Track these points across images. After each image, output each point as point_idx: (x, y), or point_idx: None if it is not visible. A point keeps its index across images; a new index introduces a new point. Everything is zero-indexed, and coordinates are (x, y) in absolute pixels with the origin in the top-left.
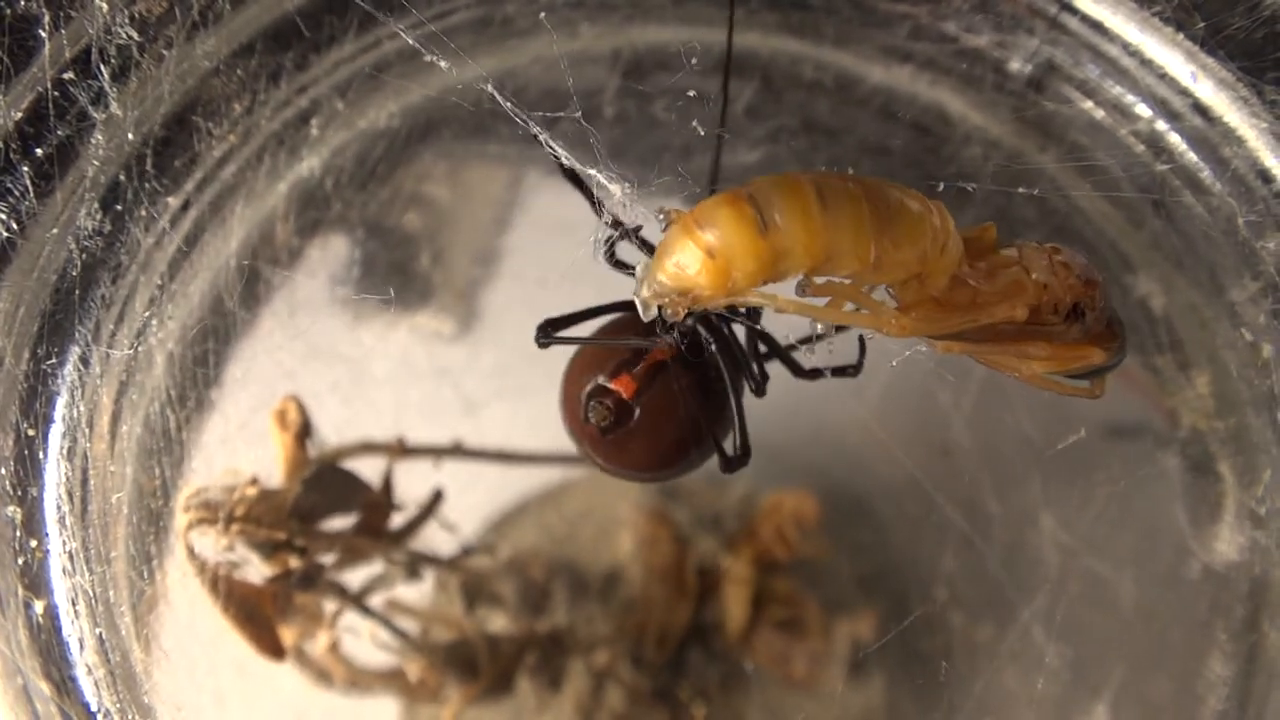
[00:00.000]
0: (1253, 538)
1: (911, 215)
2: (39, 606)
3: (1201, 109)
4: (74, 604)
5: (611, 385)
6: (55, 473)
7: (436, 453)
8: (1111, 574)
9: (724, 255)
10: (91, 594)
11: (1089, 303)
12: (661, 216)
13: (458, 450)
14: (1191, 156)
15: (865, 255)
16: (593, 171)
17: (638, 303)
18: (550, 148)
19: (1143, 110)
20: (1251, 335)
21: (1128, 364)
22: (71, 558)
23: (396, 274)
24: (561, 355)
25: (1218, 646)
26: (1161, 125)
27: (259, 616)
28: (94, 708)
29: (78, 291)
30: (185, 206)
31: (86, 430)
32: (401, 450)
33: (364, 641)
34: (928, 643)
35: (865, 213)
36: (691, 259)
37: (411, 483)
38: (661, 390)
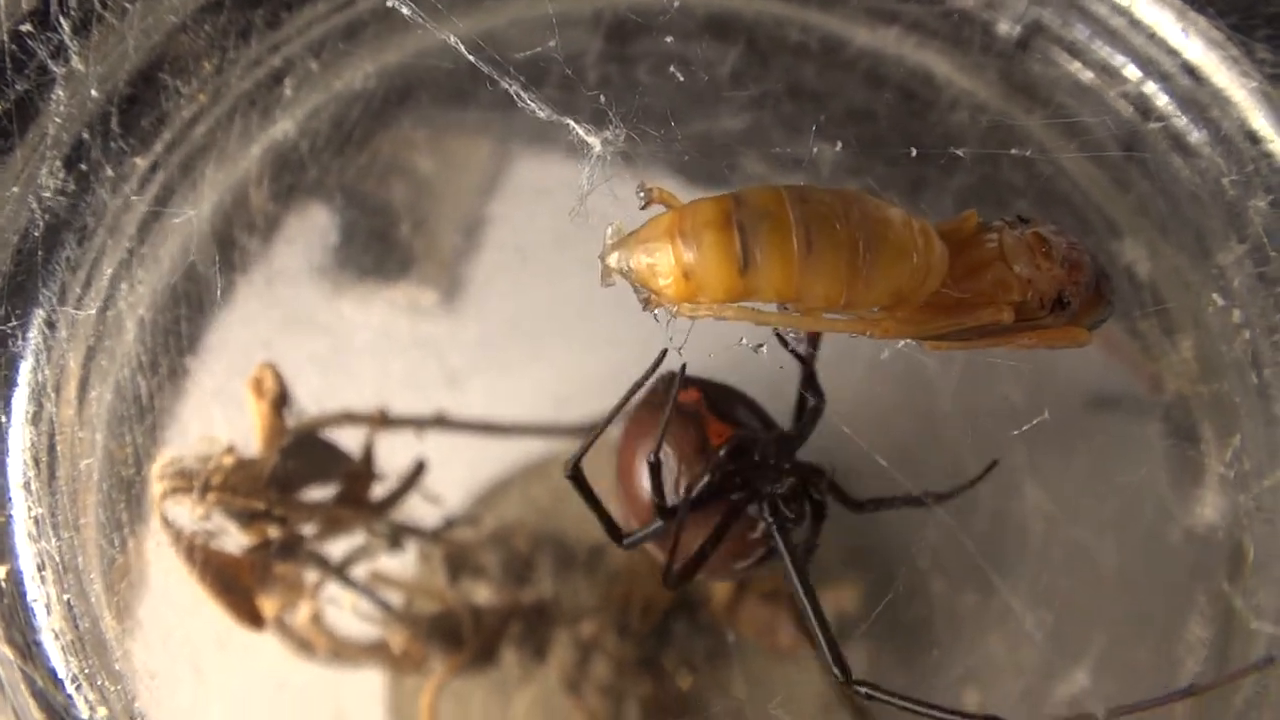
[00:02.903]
0: (1234, 500)
1: (891, 252)
2: (1, 571)
3: (1190, 69)
4: (40, 569)
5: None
6: (20, 437)
7: (419, 424)
8: (1093, 541)
9: (698, 279)
10: (59, 560)
11: (1073, 290)
12: (642, 194)
13: (440, 421)
14: (1180, 118)
15: (836, 298)
16: (571, 122)
17: (600, 262)
18: (522, 100)
19: (1131, 71)
20: (1224, 300)
21: (1112, 330)
22: (38, 523)
23: (377, 242)
24: (545, 329)
25: (1197, 609)
26: (1150, 86)
27: (237, 586)
28: (61, 673)
29: (41, 253)
30: (154, 168)
31: (53, 395)
32: (383, 421)
33: (346, 613)
34: (911, 611)
35: (844, 260)
36: (666, 269)
37: (394, 454)
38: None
